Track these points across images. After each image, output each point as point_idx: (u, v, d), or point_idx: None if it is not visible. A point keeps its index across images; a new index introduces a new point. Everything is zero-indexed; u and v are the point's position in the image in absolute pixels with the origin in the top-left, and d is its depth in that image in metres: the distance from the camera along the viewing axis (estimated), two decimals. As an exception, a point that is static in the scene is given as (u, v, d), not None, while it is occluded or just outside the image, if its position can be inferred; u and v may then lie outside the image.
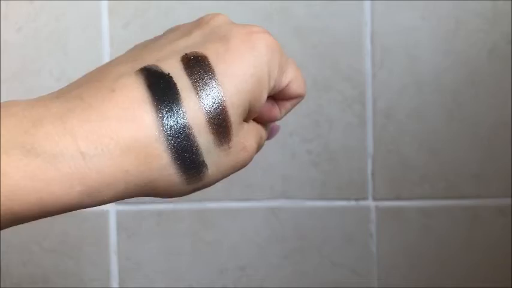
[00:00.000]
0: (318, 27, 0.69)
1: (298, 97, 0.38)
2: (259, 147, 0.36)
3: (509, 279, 0.69)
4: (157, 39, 0.36)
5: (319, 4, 0.69)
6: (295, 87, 0.37)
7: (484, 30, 0.68)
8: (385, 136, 0.70)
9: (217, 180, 0.33)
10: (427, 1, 0.68)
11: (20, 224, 0.30)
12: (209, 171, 0.32)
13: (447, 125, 0.69)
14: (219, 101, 0.32)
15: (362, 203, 0.70)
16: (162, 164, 0.31)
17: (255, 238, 0.72)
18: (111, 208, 0.71)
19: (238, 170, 0.35)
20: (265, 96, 0.34)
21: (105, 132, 0.29)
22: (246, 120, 0.35)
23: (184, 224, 0.72)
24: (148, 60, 0.32)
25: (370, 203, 0.70)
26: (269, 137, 0.39)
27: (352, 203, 0.71)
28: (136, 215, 0.71)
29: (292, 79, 0.36)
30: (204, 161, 0.32)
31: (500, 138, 0.69)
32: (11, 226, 0.30)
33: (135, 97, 0.30)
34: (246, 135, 0.34)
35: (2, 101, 0.31)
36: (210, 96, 0.31)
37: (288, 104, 0.38)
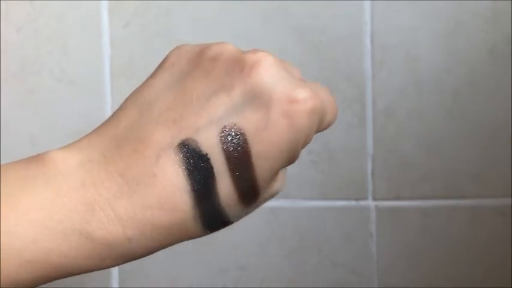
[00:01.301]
0: (318, 27, 0.69)
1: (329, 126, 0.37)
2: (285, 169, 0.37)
3: (509, 279, 0.69)
4: (196, 73, 0.34)
5: (319, 4, 0.69)
6: (329, 121, 0.36)
7: (484, 30, 0.68)
8: (385, 136, 0.70)
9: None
10: (427, 1, 0.68)
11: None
12: (233, 222, 0.35)
13: (447, 125, 0.69)
14: (252, 183, 0.33)
15: (362, 202, 0.70)
16: (196, 233, 0.34)
17: (255, 238, 0.72)
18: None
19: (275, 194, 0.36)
20: (298, 157, 0.35)
21: (148, 221, 0.32)
22: None
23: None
24: (189, 128, 0.33)
25: (370, 202, 0.70)
26: None
27: (352, 202, 0.71)
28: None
29: (328, 120, 0.36)
30: (230, 221, 0.35)
31: (500, 138, 0.69)
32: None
33: (174, 186, 0.32)
34: (274, 183, 0.35)
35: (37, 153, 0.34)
36: (244, 179, 0.33)
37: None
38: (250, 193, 0.34)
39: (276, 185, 0.35)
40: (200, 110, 0.33)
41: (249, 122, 0.33)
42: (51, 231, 0.32)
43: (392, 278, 0.71)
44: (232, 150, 0.32)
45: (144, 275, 0.72)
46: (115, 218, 0.32)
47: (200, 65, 0.34)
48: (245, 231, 0.72)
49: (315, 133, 0.35)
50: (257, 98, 0.33)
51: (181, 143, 0.32)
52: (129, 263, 0.77)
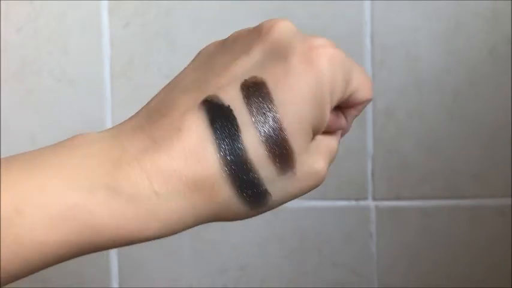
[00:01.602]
0: (318, 27, 0.69)
1: (365, 102, 0.36)
2: (331, 160, 0.37)
3: (509, 279, 0.69)
4: (221, 53, 0.36)
5: (319, 4, 0.69)
6: (362, 94, 0.36)
7: (484, 30, 0.68)
8: (385, 136, 0.70)
9: (284, 202, 0.34)
10: (427, 1, 0.68)
11: (91, 253, 0.33)
12: (273, 197, 0.33)
13: (447, 125, 0.69)
14: (278, 132, 0.32)
15: (362, 203, 0.70)
16: (226, 197, 0.33)
17: (255, 238, 0.72)
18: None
19: (311, 190, 0.35)
20: (328, 114, 0.34)
21: (175, 173, 0.32)
22: (312, 139, 0.34)
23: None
24: (211, 88, 0.33)
25: (370, 203, 0.70)
26: (342, 135, 0.39)
27: (352, 203, 0.71)
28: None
29: (357, 87, 0.35)
30: (267, 190, 0.33)
31: (500, 138, 0.69)
32: (83, 255, 0.33)
33: (199, 137, 0.32)
34: (314, 156, 0.34)
35: (72, 135, 0.34)
36: (270, 128, 0.32)
37: (354, 111, 0.37)
38: (280, 147, 0.32)
39: (315, 161, 0.34)
40: (222, 72, 0.34)
41: (268, 72, 0.33)
42: (78, 185, 0.31)
43: (393, 278, 0.71)
44: (254, 99, 0.32)
45: (144, 275, 0.72)
46: (141, 171, 0.32)
47: (224, 46, 0.36)
48: (245, 231, 0.72)
49: (341, 101, 0.35)
50: (276, 52, 0.33)
51: (204, 100, 0.33)
52: (129, 263, 0.77)
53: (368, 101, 0.37)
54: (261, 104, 0.32)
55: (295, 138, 0.33)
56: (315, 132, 0.34)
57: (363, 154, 0.70)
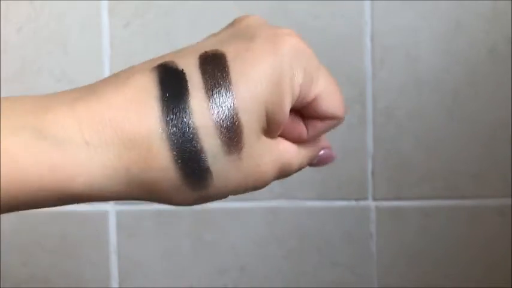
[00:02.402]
0: (318, 27, 0.69)
1: (332, 118, 0.34)
2: (280, 172, 0.33)
3: (509, 279, 0.69)
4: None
5: (319, 4, 0.69)
6: (327, 104, 0.33)
7: (484, 30, 0.68)
8: (385, 136, 0.70)
9: (225, 194, 0.31)
10: (427, 1, 0.68)
11: (17, 210, 0.30)
12: (214, 180, 0.30)
13: (447, 125, 0.69)
14: (230, 103, 0.30)
15: (362, 203, 0.70)
16: (163, 164, 0.29)
17: (255, 238, 0.72)
18: (111, 208, 0.71)
19: (251, 190, 0.32)
20: (287, 104, 0.31)
21: (109, 123, 0.29)
22: (268, 134, 0.32)
23: (184, 224, 0.72)
24: (169, 57, 0.32)
25: (370, 203, 0.70)
26: (318, 164, 0.36)
27: (352, 203, 0.71)
28: (136, 215, 0.71)
29: (322, 92, 0.33)
30: (208, 168, 0.30)
31: (500, 138, 0.69)
32: (8, 212, 0.29)
33: (143, 90, 0.30)
34: (262, 151, 0.31)
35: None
36: (221, 97, 0.30)
37: (320, 124, 0.34)
38: (229, 121, 0.29)
39: (263, 161, 0.31)
40: (188, 47, 0.32)
41: (231, 47, 0.31)
42: (6, 130, 0.28)
43: (392, 278, 0.71)
44: (210, 67, 0.30)
45: (144, 275, 0.72)
46: (72, 115, 0.29)
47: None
48: (245, 231, 0.72)
49: (303, 101, 0.32)
50: (243, 34, 0.32)
51: (159, 64, 0.31)
52: (129, 263, 0.77)
53: (338, 118, 0.33)
54: (216, 73, 0.30)
55: (246, 117, 0.30)
56: (270, 123, 0.31)
57: (363, 154, 0.70)
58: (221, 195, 0.31)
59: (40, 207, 0.30)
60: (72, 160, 0.29)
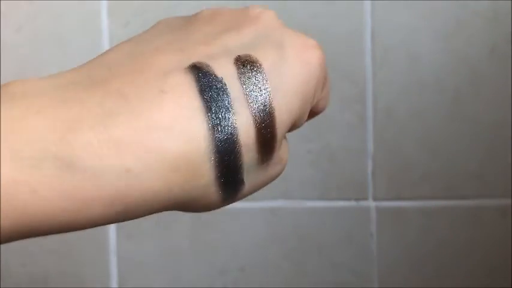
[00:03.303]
0: (318, 27, 0.69)
1: (319, 113, 0.35)
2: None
3: (509, 279, 0.69)
4: (195, 24, 0.32)
5: (319, 4, 0.69)
6: (323, 104, 0.34)
7: (484, 30, 0.68)
8: (385, 136, 0.70)
9: (247, 195, 0.31)
10: (427, 1, 0.68)
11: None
12: (245, 189, 0.29)
13: (447, 125, 0.69)
14: (270, 118, 0.29)
15: (362, 203, 0.70)
16: (206, 181, 0.28)
17: (255, 238, 0.72)
18: (111, 208, 0.71)
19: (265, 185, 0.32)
20: (307, 114, 0.32)
21: (154, 145, 0.26)
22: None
23: (184, 224, 0.71)
24: (197, 53, 0.29)
25: (370, 203, 0.70)
26: None
27: (352, 203, 0.70)
28: (136, 215, 0.71)
29: (324, 95, 0.34)
30: (243, 180, 0.29)
31: (500, 138, 0.69)
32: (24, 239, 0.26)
33: (186, 103, 0.27)
34: (283, 148, 0.32)
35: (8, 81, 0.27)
36: (262, 113, 0.28)
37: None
38: (268, 135, 0.29)
39: (284, 152, 0.31)
40: (210, 41, 0.29)
41: (264, 55, 0.29)
42: (16, 155, 0.24)
43: (393, 278, 0.71)
44: (249, 78, 0.28)
45: (144, 275, 0.72)
46: (109, 140, 0.25)
47: (200, 19, 0.32)
48: (245, 231, 0.72)
49: (313, 103, 0.33)
50: (270, 38, 0.30)
51: (192, 65, 0.28)
52: (129, 263, 0.77)
53: (320, 113, 0.35)
54: (256, 86, 0.28)
55: (280, 130, 0.29)
56: (291, 128, 0.31)
57: (363, 154, 0.70)
58: (243, 197, 0.31)
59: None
60: (109, 190, 0.25)
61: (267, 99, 0.29)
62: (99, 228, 0.76)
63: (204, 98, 0.27)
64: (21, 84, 0.26)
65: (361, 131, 0.69)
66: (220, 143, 0.27)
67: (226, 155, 0.27)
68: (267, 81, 0.29)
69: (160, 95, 0.26)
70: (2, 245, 0.26)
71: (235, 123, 0.27)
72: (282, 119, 0.29)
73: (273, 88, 0.29)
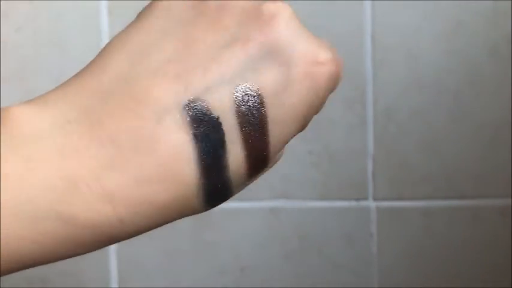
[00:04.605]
0: (318, 27, 0.69)
1: None
2: None
3: (509, 279, 0.69)
4: (198, 22, 0.29)
5: (319, 3, 0.69)
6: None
7: (484, 30, 0.68)
8: (385, 136, 0.70)
9: None
10: (427, 1, 0.68)
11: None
12: (233, 195, 0.30)
13: (448, 125, 0.69)
14: (263, 153, 0.29)
15: (362, 203, 0.70)
16: (194, 210, 0.29)
17: (255, 238, 0.72)
18: (111, 208, 0.71)
19: None
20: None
21: (146, 197, 0.27)
22: None
23: (184, 224, 0.71)
24: (196, 84, 0.28)
25: (371, 203, 0.70)
26: None
27: (353, 203, 0.70)
28: (136, 215, 0.71)
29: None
30: (231, 194, 0.30)
31: (501, 139, 0.69)
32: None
33: (180, 154, 0.27)
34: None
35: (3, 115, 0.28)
36: (257, 148, 0.29)
37: None
38: (260, 164, 0.29)
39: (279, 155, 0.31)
40: (209, 64, 0.28)
41: (267, 81, 0.28)
42: (18, 213, 0.26)
43: (393, 279, 0.71)
44: (248, 115, 0.28)
45: (144, 275, 0.72)
46: (104, 195, 0.27)
47: (205, 12, 0.29)
48: (245, 231, 0.72)
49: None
50: (276, 54, 0.29)
51: (189, 104, 0.28)
52: (129, 263, 0.77)
53: None
54: (253, 121, 0.28)
55: (275, 154, 0.30)
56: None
57: (364, 154, 0.70)
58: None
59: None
60: (104, 237, 0.28)
61: (263, 136, 0.29)
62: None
63: (197, 145, 0.28)
64: (16, 125, 0.27)
65: (361, 131, 0.69)
66: (210, 186, 0.28)
67: (216, 192, 0.29)
68: (265, 119, 0.29)
69: (154, 146, 0.27)
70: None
71: (228, 167, 0.28)
72: (276, 146, 0.29)
73: (272, 120, 0.29)
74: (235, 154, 0.28)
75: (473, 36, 0.68)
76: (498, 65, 0.68)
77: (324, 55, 0.30)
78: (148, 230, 0.29)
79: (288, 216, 0.71)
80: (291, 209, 0.71)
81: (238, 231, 0.72)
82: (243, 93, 0.28)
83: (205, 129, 0.28)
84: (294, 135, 0.30)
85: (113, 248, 0.72)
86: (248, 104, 0.28)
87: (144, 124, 0.27)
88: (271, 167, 0.31)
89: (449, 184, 0.69)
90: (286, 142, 0.30)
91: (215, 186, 0.28)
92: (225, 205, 0.78)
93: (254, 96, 0.28)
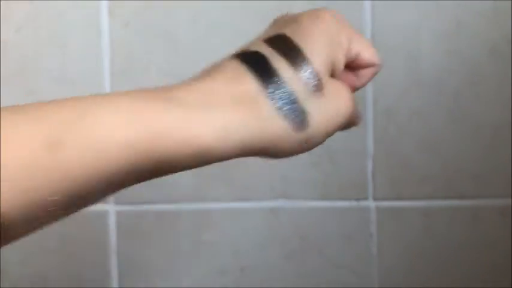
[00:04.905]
0: (318, 27, 0.69)
1: (373, 65, 0.42)
2: (352, 103, 0.41)
3: (509, 279, 0.69)
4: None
5: (319, 4, 0.69)
6: (367, 56, 0.41)
7: (484, 30, 0.68)
8: (385, 136, 0.70)
9: (322, 133, 0.38)
10: (428, 1, 0.68)
11: (161, 175, 0.35)
12: (311, 119, 0.37)
13: (448, 125, 0.69)
14: (303, 59, 0.38)
15: (362, 203, 0.70)
16: (268, 111, 0.36)
17: (255, 238, 0.72)
18: (111, 208, 0.71)
19: (341, 123, 0.40)
20: (341, 57, 0.40)
21: (219, 90, 0.36)
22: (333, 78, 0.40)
23: (184, 224, 0.71)
24: (240, 49, 0.39)
25: (371, 203, 0.70)
26: (356, 123, 0.45)
27: (353, 203, 0.71)
28: (137, 215, 0.71)
29: (362, 48, 0.41)
30: (304, 108, 0.37)
31: (500, 139, 0.69)
32: (154, 177, 0.35)
33: (236, 69, 0.37)
34: (338, 85, 0.39)
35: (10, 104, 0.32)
36: (295, 56, 0.38)
37: (364, 72, 0.42)
38: (311, 74, 0.38)
39: (340, 85, 0.39)
40: (250, 41, 0.40)
41: (284, 30, 0.40)
42: (142, 97, 0.34)
43: (393, 279, 0.71)
44: (276, 44, 0.39)
45: (144, 275, 0.72)
46: (189, 89, 0.36)
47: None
48: (245, 231, 0.72)
49: (349, 57, 0.41)
50: (288, 21, 0.41)
51: (237, 53, 0.39)
52: (129, 263, 0.76)
53: (375, 65, 0.42)
54: (283, 45, 0.38)
55: (319, 67, 0.38)
56: (334, 69, 0.40)
57: (364, 154, 0.70)
58: (319, 135, 0.38)
59: (179, 168, 0.35)
60: (197, 118, 0.34)
61: (295, 49, 0.38)
62: (99, 228, 0.76)
63: (246, 63, 0.37)
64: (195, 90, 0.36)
65: (361, 131, 0.69)
66: (270, 86, 0.37)
67: (277, 93, 0.37)
68: (290, 40, 0.39)
69: (220, 70, 0.37)
70: (2, 246, 0.31)
71: (276, 69, 0.37)
72: (316, 59, 0.38)
73: (300, 42, 0.39)
74: (279, 62, 0.37)
75: (473, 36, 0.68)
76: (498, 65, 0.68)
77: (320, 8, 0.42)
78: (236, 126, 0.35)
79: (288, 216, 0.71)
80: (291, 209, 0.71)
81: (238, 231, 0.72)
82: (270, 36, 0.40)
83: (248, 55, 0.38)
84: (329, 58, 0.39)
85: (113, 248, 0.72)
86: (273, 39, 0.40)
87: (209, 69, 0.38)
88: (339, 97, 0.39)
89: (449, 184, 0.69)
90: (324, 57, 0.39)
91: (276, 88, 0.37)
92: (225, 205, 0.78)
93: (276, 35, 0.40)
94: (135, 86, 0.77)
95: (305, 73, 0.38)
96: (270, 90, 0.37)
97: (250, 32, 0.70)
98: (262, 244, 0.72)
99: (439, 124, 0.69)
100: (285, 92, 0.37)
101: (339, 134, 0.71)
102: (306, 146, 0.39)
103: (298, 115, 0.37)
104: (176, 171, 0.35)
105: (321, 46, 0.39)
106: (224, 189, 0.71)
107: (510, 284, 0.69)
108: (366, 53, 0.41)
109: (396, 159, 0.70)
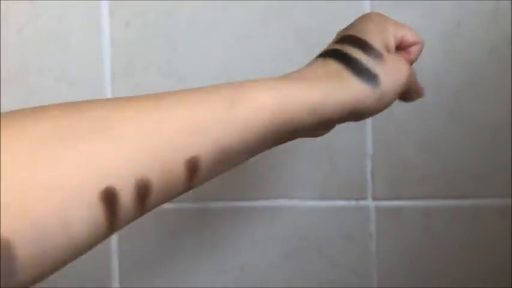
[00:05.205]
0: (318, 27, 0.69)
1: (417, 43, 0.54)
2: (410, 73, 0.52)
3: (509, 279, 0.69)
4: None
5: (319, 4, 0.69)
6: (410, 36, 0.53)
7: (484, 30, 0.68)
8: (384, 136, 0.70)
9: (391, 91, 0.49)
10: (427, 1, 0.68)
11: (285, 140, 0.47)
12: (381, 78, 0.48)
13: (447, 125, 0.69)
14: (365, 42, 0.50)
15: (362, 203, 0.70)
16: (353, 82, 0.47)
17: (255, 238, 0.72)
18: (111, 208, 0.71)
19: (404, 82, 0.50)
20: (391, 39, 0.51)
21: (317, 72, 0.48)
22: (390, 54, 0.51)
23: (184, 224, 0.72)
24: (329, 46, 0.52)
25: (370, 203, 0.70)
26: (420, 94, 0.58)
27: (352, 203, 0.71)
28: (137, 215, 0.71)
29: (404, 31, 0.53)
30: (374, 72, 0.48)
31: (500, 138, 0.69)
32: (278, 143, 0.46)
33: (322, 60, 0.49)
34: (394, 56, 0.50)
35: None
36: (359, 43, 0.50)
37: (412, 49, 0.54)
38: (375, 52, 0.49)
39: (397, 56, 0.51)
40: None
41: (353, 30, 0.52)
42: (276, 81, 0.45)
43: (393, 279, 0.71)
44: (350, 42, 0.50)
45: (144, 275, 0.72)
46: (300, 75, 0.47)
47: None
48: (245, 231, 0.72)
49: (398, 41, 0.52)
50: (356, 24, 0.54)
51: (328, 51, 0.51)
52: (129, 263, 0.76)
53: (418, 42, 0.54)
54: (356, 42, 0.50)
55: (379, 46, 0.50)
56: (388, 49, 0.51)
57: (363, 154, 0.70)
58: (389, 91, 0.48)
59: (300, 126, 0.45)
60: (308, 85, 0.45)
61: (365, 43, 0.50)
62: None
63: (330, 56, 0.50)
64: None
65: (360, 131, 0.69)
66: (349, 63, 0.48)
67: (354, 66, 0.48)
68: (358, 35, 0.51)
69: (311, 63, 0.50)
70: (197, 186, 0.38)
71: (355, 57, 0.48)
72: (377, 44, 0.50)
73: (365, 36, 0.50)
74: (356, 52, 0.49)
75: (473, 36, 0.68)
76: (498, 65, 0.68)
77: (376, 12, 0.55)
78: (331, 90, 0.46)
79: (288, 216, 0.71)
80: (290, 208, 0.71)
81: (238, 231, 0.72)
82: (345, 37, 0.51)
83: (329, 50, 0.51)
84: (381, 39, 0.51)
85: (114, 247, 0.72)
86: (346, 38, 0.51)
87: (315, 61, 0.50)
88: (399, 65, 0.51)
89: (449, 184, 0.70)
90: (379, 39, 0.51)
91: (353, 63, 0.48)
92: (225, 205, 0.78)
93: (347, 35, 0.52)
94: (135, 85, 0.78)
95: (369, 50, 0.49)
96: (350, 66, 0.48)
97: (250, 32, 0.70)
98: (262, 244, 0.72)
99: (439, 124, 0.69)
100: (359, 65, 0.48)
101: (338, 134, 0.72)
102: (382, 102, 0.48)
103: (371, 77, 0.48)
104: (298, 130, 0.45)
105: (375, 34, 0.51)
106: (224, 189, 0.71)
107: (510, 284, 0.69)
108: (409, 34, 0.53)
109: (396, 159, 0.70)
